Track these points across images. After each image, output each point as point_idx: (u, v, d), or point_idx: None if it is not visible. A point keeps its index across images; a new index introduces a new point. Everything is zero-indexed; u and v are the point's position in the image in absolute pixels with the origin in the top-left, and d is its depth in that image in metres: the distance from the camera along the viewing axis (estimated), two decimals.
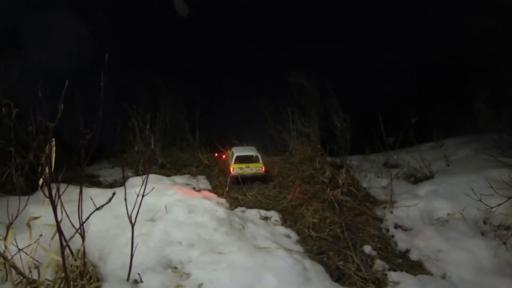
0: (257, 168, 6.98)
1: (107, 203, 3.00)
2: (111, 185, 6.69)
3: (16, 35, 9.05)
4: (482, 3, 9.07)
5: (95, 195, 4.90)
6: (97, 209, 2.98)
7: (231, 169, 7.00)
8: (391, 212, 6.02)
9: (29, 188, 5.39)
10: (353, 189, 6.42)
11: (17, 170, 5.30)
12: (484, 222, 5.54)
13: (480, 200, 5.36)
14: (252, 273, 3.50)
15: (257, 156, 7.14)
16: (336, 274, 4.11)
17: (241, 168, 6.93)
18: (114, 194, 3.01)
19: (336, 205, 5.86)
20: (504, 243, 5.04)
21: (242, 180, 6.88)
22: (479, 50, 10.06)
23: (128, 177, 6.42)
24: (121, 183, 6.65)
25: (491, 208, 5.30)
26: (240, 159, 7.06)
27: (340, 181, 6.39)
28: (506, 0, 8.36)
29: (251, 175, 6.98)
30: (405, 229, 5.64)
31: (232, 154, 7.29)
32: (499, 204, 5.29)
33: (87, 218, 3.02)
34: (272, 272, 3.52)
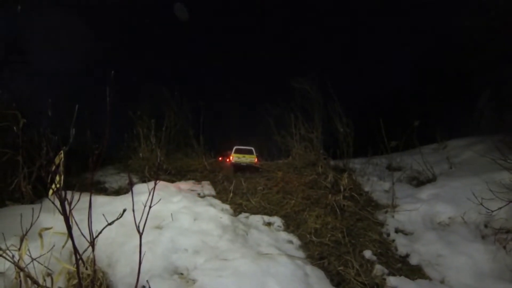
0: (251, 159, 9.17)
1: (118, 218, 3.18)
2: (117, 192, 6.86)
3: (19, 40, 9.25)
4: (483, 4, 9.24)
5: (103, 203, 5.13)
6: (109, 224, 3.17)
7: (231, 157, 9.27)
8: (393, 217, 6.13)
9: (37, 196, 5.59)
10: (355, 194, 6.56)
11: (25, 179, 5.50)
12: (485, 226, 5.57)
13: (481, 204, 5.49)
14: (255, 280, 3.66)
15: (252, 150, 9.40)
16: (336, 279, 4.26)
17: (238, 157, 9.12)
18: (125, 210, 3.18)
19: (338, 210, 6.00)
20: (504, 247, 5.08)
21: (239, 168, 8.90)
22: (481, 51, 10.20)
23: (134, 184, 6.64)
24: (127, 189, 6.85)
25: (492, 211, 5.40)
26: (239, 151, 9.32)
27: (342, 186, 6.56)
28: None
29: (246, 163, 9.01)
30: (406, 234, 5.75)
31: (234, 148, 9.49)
32: (500, 208, 5.37)
33: (100, 232, 3.22)
34: (274, 279, 3.68)
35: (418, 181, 7.92)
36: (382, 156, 9.15)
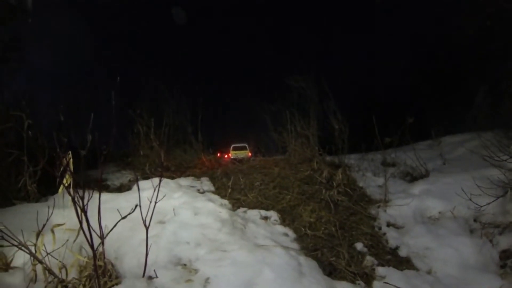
0: (245, 153, 12.21)
1: (130, 213, 3.57)
2: (119, 189, 7.21)
3: (18, 38, 9.51)
4: (479, 3, 9.60)
5: (106, 200, 5.49)
6: (123, 218, 3.56)
7: (230, 154, 12.60)
8: (385, 211, 6.50)
9: (41, 195, 5.96)
10: (349, 189, 6.95)
11: (30, 178, 5.86)
12: (474, 221, 5.97)
13: (470, 199, 5.87)
14: (252, 268, 4.05)
15: (245, 146, 12.88)
16: (328, 269, 4.64)
17: (235, 154, 12.38)
18: (137, 206, 3.58)
19: (332, 204, 6.38)
20: (491, 241, 5.46)
21: (235, 159, 10.65)
22: (478, 49, 10.57)
23: (138, 181, 7.01)
24: (129, 187, 7.23)
25: (481, 207, 5.78)
26: (235, 148, 12.89)
27: (335, 182, 6.93)
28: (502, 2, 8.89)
29: (241, 157, 11.26)
30: (397, 227, 6.12)
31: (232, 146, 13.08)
32: (488, 203, 5.75)
33: (112, 228, 3.61)
34: (269, 268, 4.06)
35: (412, 177, 8.27)
36: (377, 152, 9.49)
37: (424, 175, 7.99)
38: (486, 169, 6.75)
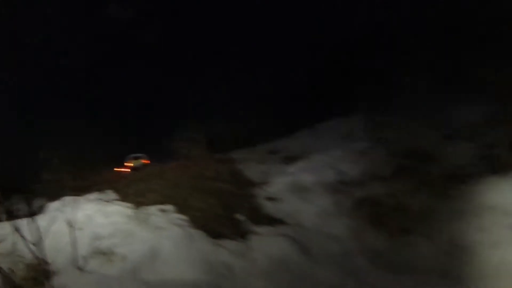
0: (142, 162, 14.09)
1: (70, 223, 5.05)
2: (33, 214, 8.12)
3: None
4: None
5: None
6: (71, 226, 5.01)
7: (129, 163, 14.16)
8: (265, 190, 8.40)
9: None
10: (233, 179, 8.79)
11: None
12: (340, 183, 8.02)
13: (336, 168, 8.07)
14: (155, 241, 5.77)
15: (141, 156, 14.43)
16: (214, 235, 6.29)
17: (133, 162, 14.05)
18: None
19: (218, 193, 8.04)
20: (348, 195, 7.52)
21: (134, 169, 13.48)
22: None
23: (49, 204, 8.12)
24: (41, 210, 8.29)
25: (346, 173, 8.01)
26: (133, 158, 14.30)
27: (222, 175, 8.67)
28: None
29: (138, 165, 13.78)
30: (275, 200, 7.96)
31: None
32: (351, 169, 8.10)
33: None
34: (167, 239, 5.82)
35: (291, 159, 10.26)
36: (265, 144, 11.47)
37: (301, 156, 10.04)
38: (351, 144, 9.11)
